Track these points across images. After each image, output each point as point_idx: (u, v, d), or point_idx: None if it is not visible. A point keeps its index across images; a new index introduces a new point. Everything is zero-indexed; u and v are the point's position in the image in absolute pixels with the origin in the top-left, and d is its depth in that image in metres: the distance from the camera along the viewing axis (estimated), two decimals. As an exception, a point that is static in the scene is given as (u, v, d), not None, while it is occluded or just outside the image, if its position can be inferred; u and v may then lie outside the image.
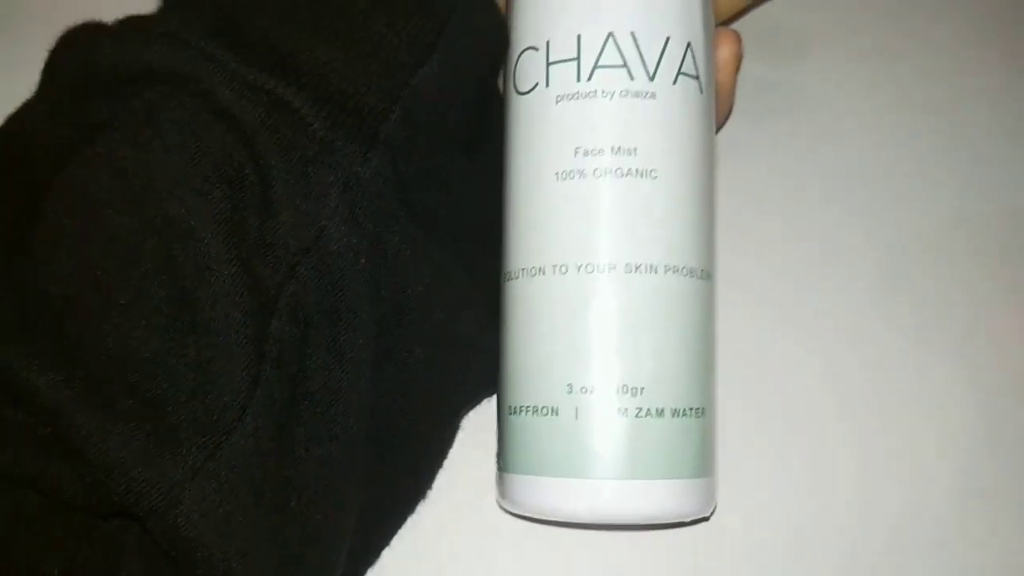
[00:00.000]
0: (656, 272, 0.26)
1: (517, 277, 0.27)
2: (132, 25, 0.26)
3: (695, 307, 0.26)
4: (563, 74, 0.27)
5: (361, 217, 0.25)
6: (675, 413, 0.26)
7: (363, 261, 0.25)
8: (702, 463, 0.26)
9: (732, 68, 0.30)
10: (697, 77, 0.27)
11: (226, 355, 0.23)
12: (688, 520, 0.26)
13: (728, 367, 0.29)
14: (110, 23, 0.26)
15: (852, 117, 0.34)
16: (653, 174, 0.26)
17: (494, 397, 0.29)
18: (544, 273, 0.26)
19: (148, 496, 0.22)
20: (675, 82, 0.27)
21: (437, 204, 0.27)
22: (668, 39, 0.27)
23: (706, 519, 0.27)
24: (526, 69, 0.28)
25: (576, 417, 0.25)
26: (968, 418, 0.31)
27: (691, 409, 0.26)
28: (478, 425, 0.30)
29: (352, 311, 0.25)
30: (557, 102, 0.27)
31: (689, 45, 0.27)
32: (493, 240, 0.29)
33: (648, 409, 0.25)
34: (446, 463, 0.30)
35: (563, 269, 0.26)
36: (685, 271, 0.26)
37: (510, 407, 0.27)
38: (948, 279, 0.32)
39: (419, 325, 0.27)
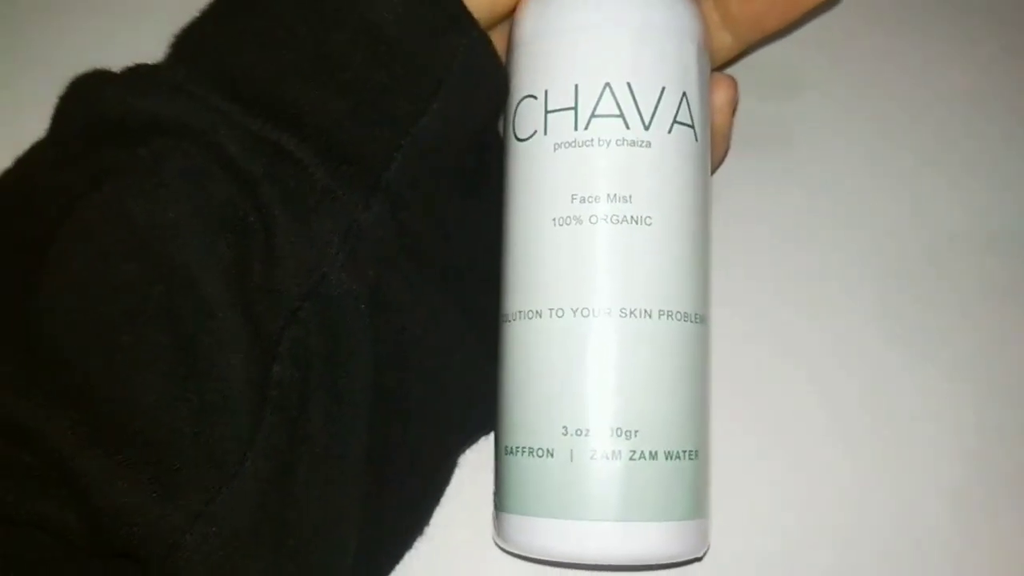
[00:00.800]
0: (651, 317, 0.26)
1: (514, 319, 0.28)
2: (140, 75, 0.27)
3: (689, 351, 0.27)
4: (561, 122, 0.27)
5: (362, 263, 0.26)
6: (668, 456, 0.26)
7: (363, 306, 0.26)
8: (695, 504, 0.27)
9: (728, 112, 0.30)
10: (692, 125, 0.28)
11: (228, 401, 0.24)
12: (680, 561, 0.27)
13: (723, 406, 0.30)
14: (118, 71, 0.27)
15: (845, 151, 0.34)
16: (648, 221, 0.27)
17: (491, 436, 0.30)
18: (540, 316, 0.27)
19: (150, 541, 0.22)
20: (670, 131, 0.27)
21: (436, 248, 0.28)
22: (663, 89, 0.27)
23: (699, 559, 0.27)
24: (525, 117, 0.28)
25: (571, 459, 0.26)
26: (973, 454, 0.31)
27: (684, 452, 0.26)
28: (476, 464, 0.31)
29: (351, 354, 0.26)
30: (555, 149, 0.27)
31: (684, 95, 0.28)
32: (490, 282, 0.30)
33: (642, 452, 0.26)
34: (445, 501, 0.30)
35: (559, 313, 0.27)
36: (679, 316, 0.27)
37: (507, 447, 0.27)
38: (943, 313, 0.32)
39: (417, 366, 0.28)
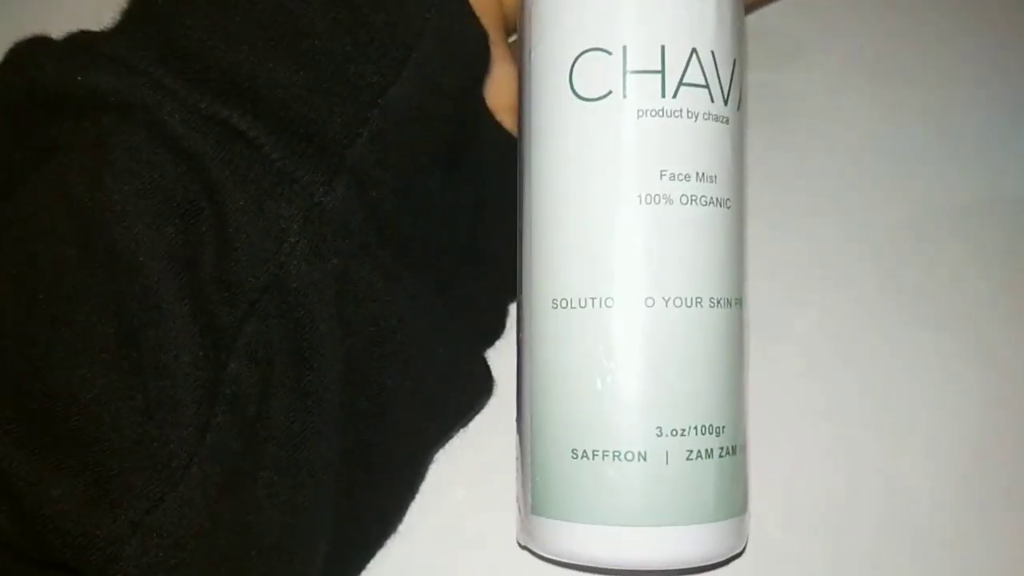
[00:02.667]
0: (730, 306, 0.25)
1: (581, 306, 0.24)
2: (79, 45, 0.24)
3: (743, 338, 0.26)
4: (646, 86, 0.24)
5: (325, 251, 0.24)
6: (742, 449, 0.25)
7: (329, 297, 0.24)
8: (747, 497, 0.26)
9: None
10: (745, 101, 0.27)
11: (174, 400, 0.22)
12: (735, 554, 0.27)
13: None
14: (57, 39, 0.25)
15: (848, 120, 0.34)
16: (728, 203, 0.25)
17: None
18: (622, 304, 0.24)
19: (86, 551, 0.21)
20: (739, 107, 0.26)
21: (413, 230, 0.26)
22: (735, 62, 0.26)
23: (741, 554, 0.27)
24: (592, 73, 0.25)
25: (667, 462, 0.24)
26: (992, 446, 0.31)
27: (744, 444, 0.26)
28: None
29: (317, 350, 0.24)
30: (639, 116, 0.24)
31: (741, 68, 0.26)
32: (474, 263, 0.28)
33: (725, 448, 0.25)
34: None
35: (649, 302, 0.24)
36: (742, 304, 0.26)
37: (574, 450, 0.24)
38: (951, 285, 0.32)
39: (393, 358, 0.25)
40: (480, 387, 0.28)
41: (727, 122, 0.25)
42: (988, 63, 0.35)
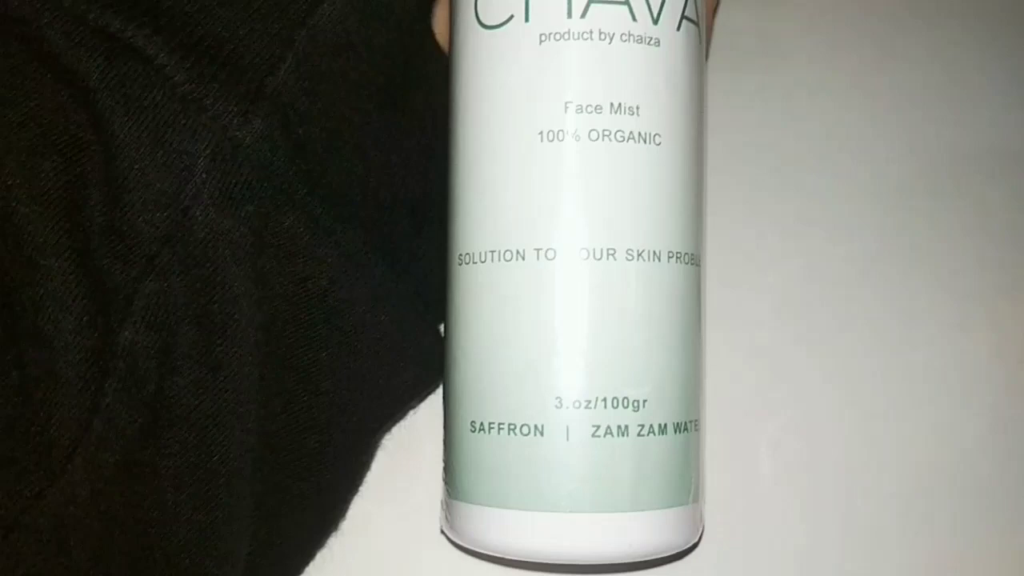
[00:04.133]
0: (659, 260, 0.21)
1: (481, 260, 0.22)
2: None
3: (693, 300, 0.22)
4: (549, 7, 0.21)
5: (238, 194, 0.20)
6: (677, 428, 0.22)
7: (244, 250, 0.21)
8: (700, 484, 0.22)
9: (711, 9, 0.25)
10: (697, 23, 0.23)
11: (54, 375, 0.19)
12: (682, 550, 0.23)
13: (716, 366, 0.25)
14: None
15: (833, 67, 0.31)
16: (656, 139, 0.21)
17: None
18: (523, 257, 0.21)
19: None
20: (679, 28, 0.22)
21: (347, 175, 0.22)
22: (672, -26, 0.22)
23: (695, 546, 0.23)
24: (495, -3, 0.22)
25: (567, 437, 0.21)
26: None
27: (691, 422, 0.22)
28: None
29: (229, 314, 0.21)
30: (541, 42, 0.21)
31: (690, -17, 0.22)
32: (423, 216, 0.24)
33: (651, 426, 0.21)
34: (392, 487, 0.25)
35: (549, 254, 0.21)
36: (687, 258, 0.22)
37: (472, 423, 0.22)
38: (947, 241, 0.29)
39: (325, 326, 0.22)
40: (432, 361, 0.25)
41: (657, 44, 0.21)
42: (988, 9, 0.31)
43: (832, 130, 0.29)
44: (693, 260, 0.22)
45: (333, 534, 0.24)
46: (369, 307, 0.23)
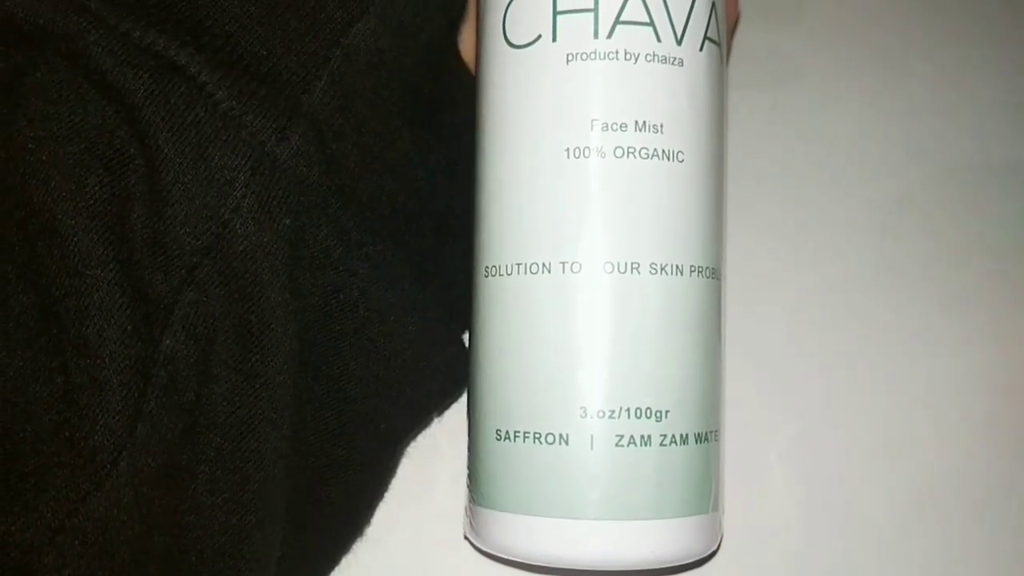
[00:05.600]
0: (682, 274, 0.22)
1: (508, 273, 0.22)
2: None
3: (714, 313, 0.23)
4: (576, 28, 0.22)
5: (275, 208, 0.21)
6: (698, 438, 0.22)
7: (280, 262, 0.21)
8: (720, 493, 0.23)
9: (728, 30, 0.26)
10: (719, 44, 0.23)
11: (99, 382, 0.19)
12: (701, 558, 0.23)
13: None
14: None
15: (848, 83, 0.31)
16: (679, 156, 0.22)
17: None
18: (549, 271, 0.22)
19: None
20: (701, 48, 0.23)
21: (377, 189, 0.23)
22: (695, -4, 0.22)
23: (713, 555, 0.24)
24: (522, 17, 0.22)
25: (591, 446, 0.21)
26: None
27: (711, 432, 0.22)
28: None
29: (266, 324, 0.21)
30: (568, 62, 0.22)
31: (713, 6, 0.23)
32: (448, 229, 0.25)
33: (673, 436, 0.22)
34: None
35: (575, 267, 0.21)
36: (707, 272, 0.22)
37: (498, 431, 0.22)
38: (947, 250, 0.30)
39: (355, 336, 0.23)
40: (457, 371, 0.25)
41: (680, 64, 0.22)
42: (996, 19, 0.31)
43: (843, 146, 0.30)
44: (714, 274, 0.23)
45: (358, 539, 0.25)
46: (397, 317, 0.24)
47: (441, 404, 0.26)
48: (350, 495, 0.24)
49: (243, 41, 0.21)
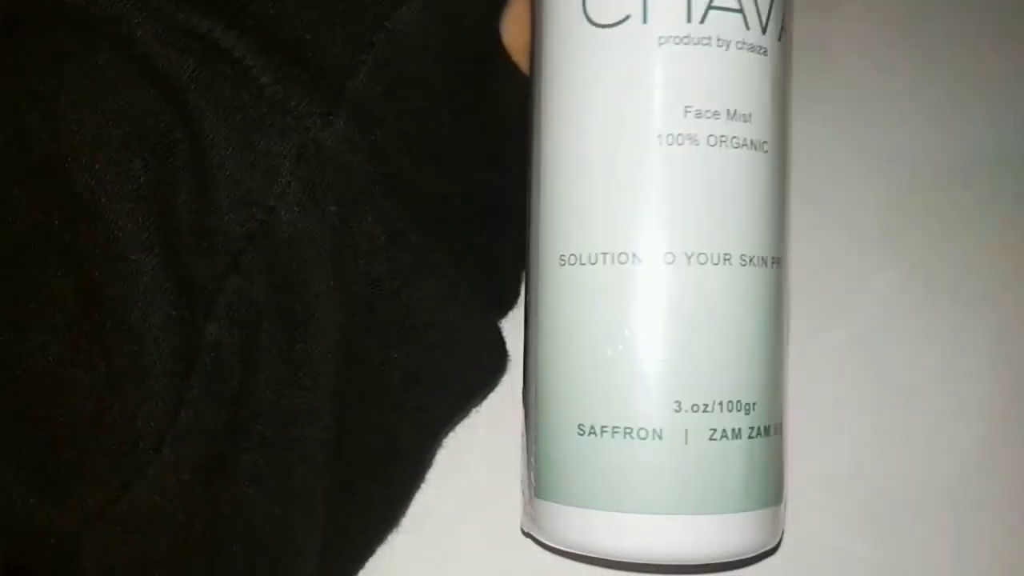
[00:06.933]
0: (767, 265, 0.22)
1: (592, 262, 0.21)
2: None
3: (783, 306, 0.23)
4: (668, 10, 0.21)
5: (321, 195, 0.21)
6: (776, 430, 0.22)
7: (325, 250, 0.21)
8: (782, 485, 0.23)
9: None
10: (790, 34, 0.23)
11: (143, 369, 0.19)
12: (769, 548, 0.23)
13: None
14: None
15: (882, 71, 0.31)
16: (765, 147, 0.22)
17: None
18: (639, 261, 0.21)
19: (36, 549, 0.19)
20: (780, 38, 0.22)
21: (419, 176, 0.23)
22: (777, -16, 0.22)
23: (776, 549, 0.24)
24: (608, -5, 0.21)
25: (686, 441, 0.21)
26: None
27: (779, 424, 0.23)
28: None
29: (310, 311, 0.21)
30: (660, 44, 0.21)
31: (786, -6, 0.23)
32: (485, 219, 0.25)
33: (758, 428, 0.22)
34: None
35: (668, 258, 0.21)
36: (781, 263, 0.23)
37: (581, 425, 0.21)
38: (957, 243, 0.30)
39: (397, 325, 0.22)
40: (495, 361, 0.25)
41: (765, 53, 0.22)
42: (1013, 19, 0.31)
43: (870, 140, 0.30)
44: (783, 264, 0.23)
45: (394, 529, 0.24)
46: (438, 307, 0.23)
47: (480, 394, 0.25)
48: (389, 486, 0.24)
49: (287, 24, 0.20)
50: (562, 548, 0.22)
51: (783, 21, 0.23)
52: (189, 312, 0.20)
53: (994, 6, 0.32)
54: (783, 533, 0.23)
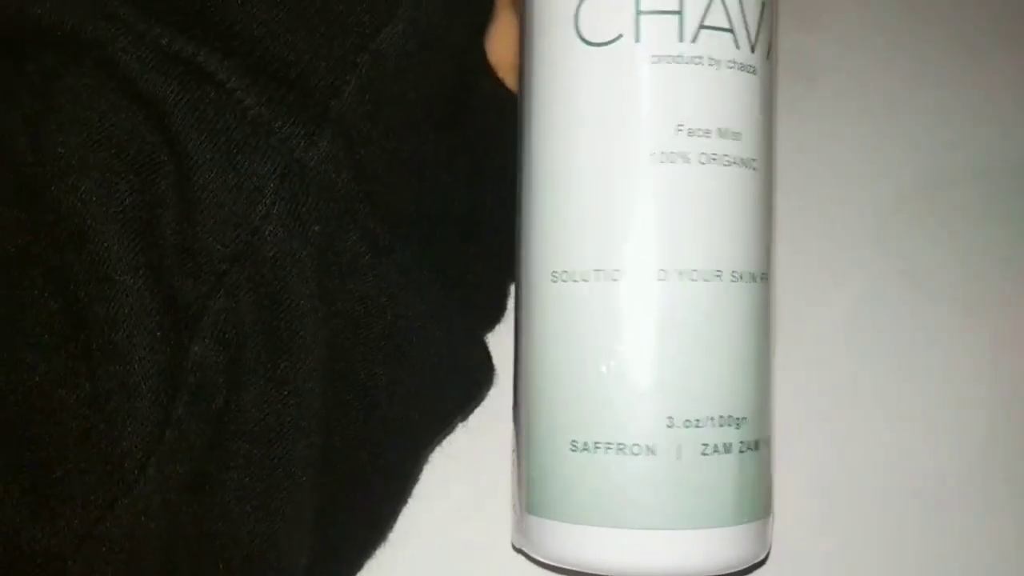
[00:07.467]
0: (755, 281, 0.22)
1: (584, 280, 0.22)
2: None
3: (769, 320, 0.23)
4: (660, 29, 0.21)
5: (305, 215, 0.21)
6: (764, 444, 0.23)
7: (310, 269, 0.21)
8: (771, 498, 0.23)
9: None
10: (775, 50, 0.24)
11: (128, 388, 0.19)
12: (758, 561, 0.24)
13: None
14: None
15: (866, 85, 0.32)
16: (753, 164, 0.22)
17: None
18: (632, 278, 0.21)
19: (22, 569, 0.18)
20: (768, 56, 0.23)
21: (403, 194, 0.23)
22: (764, 3, 0.23)
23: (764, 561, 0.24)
24: (601, 14, 0.22)
25: (679, 456, 0.21)
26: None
27: (768, 438, 0.23)
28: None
29: (295, 331, 0.21)
30: (654, 63, 0.21)
31: (771, 12, 0.23)
32: (470, 235, 0.25)
33: (749, 442, 0.22)
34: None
35: (661, 275, 0.21)
36: (767, 277, 0.23)
37: (574, 442, 0.21)
38: (948, 251, 0.30)
39: (383, 342, 0.23)
40: (481, 376, 0.25)
41: (754, 72, 0.22)
42: (1005, 24, 0.32)
43: (859, 147, 0.30)
44: (768, 279, 0.23)
45: (381, 544, 0.24)
46: (424, 323, 0.23)
47: (466, 410, 0.26)
48: (375, 501, 0.24)
49: (272, 47, 0.21)
50: (554, 564, 0.22)
51: (770, 39, 0.23)
52: (174, 332, 0.20)
53: (977, 17, 0.32)
54: (771, 545, 0.24)
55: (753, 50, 0.22)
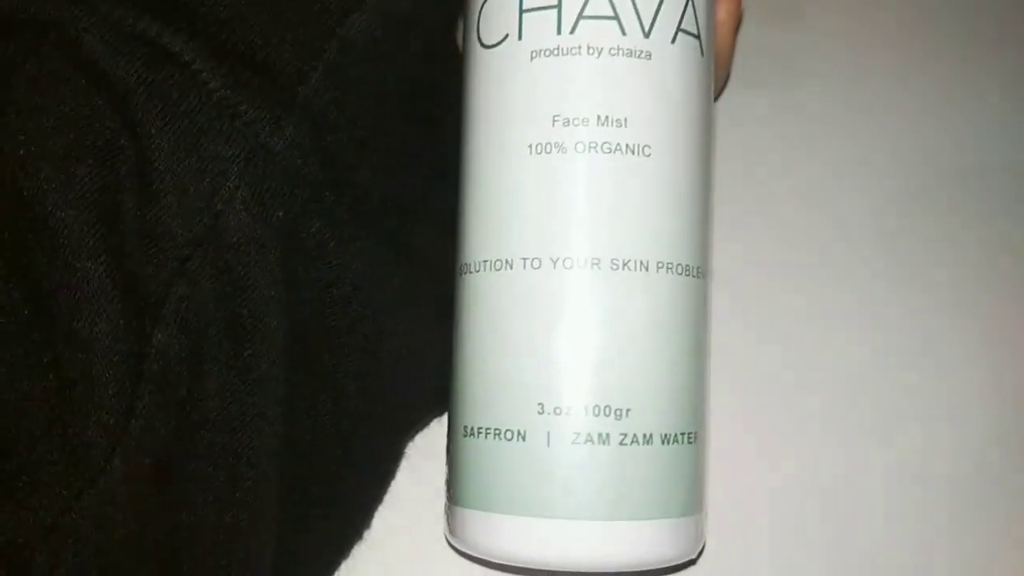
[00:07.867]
0: (647, 270, 0.21)
1: (475, 270, 0.22)
2: None
3: (689, 312, 0.22)
4: (540, 25, 0.22)
5: (269, 200, 0.21)
6: (665, 439, 0.21)
7: (273, 256, 0.21)
8: (694, 498, 0.22)
9: (731, 28, 0.25)
10: (698, 36, 0.23)
11: (91, 377, 0.19)
12: (673, 564, 0.22)
13: (719, 378, 0.25)
14: None
15: (851, 83, 0.30)
16: (646, 150, 0.22)
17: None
18: (511, 267, 0.22)
19: None
20: (673, 41, 0.22)
21: (370, 183, 0.22)
22: (668, -12, 0.22)
23: (693, 562, 0.23)
24: (493, 18, 0.23)
25: (548, 443, 0.21)
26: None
27: (683, 434, 0.22)
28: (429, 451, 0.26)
29: (259, 318, 0.21)
30: (532, 59, 0.22)
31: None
32: (443, 226, 0.24)
33: (634, 435, 0.21)
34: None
35: (535, 263, 0.21)
36: (679, 269, 0.22)
37: (465, 427, 0.22)
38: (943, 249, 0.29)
39: (348, 333, 0.22)
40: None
41: (648, 57, 0.22)
42: (995, 24, 0.30)
43: (848, 147, 0.29)
44: (688, 271, 0.22)
45: (357, 543, 0.24)
46: (391, 314, 0.23)
47: (439, 405, 0.25)
48: (347, 495, 0.24)
49: (238, 29, 0.20)
50: (464, 551, 0.23)
51: (681, 23, 0.22)
52: (136, 319, 0.19)
53: (970, 15, 0.30)
54: (704, 544, 0.22)
55: (647, 35, 0.22)
